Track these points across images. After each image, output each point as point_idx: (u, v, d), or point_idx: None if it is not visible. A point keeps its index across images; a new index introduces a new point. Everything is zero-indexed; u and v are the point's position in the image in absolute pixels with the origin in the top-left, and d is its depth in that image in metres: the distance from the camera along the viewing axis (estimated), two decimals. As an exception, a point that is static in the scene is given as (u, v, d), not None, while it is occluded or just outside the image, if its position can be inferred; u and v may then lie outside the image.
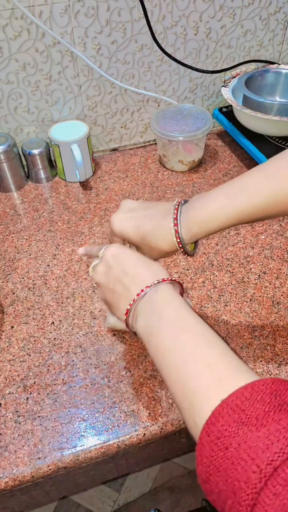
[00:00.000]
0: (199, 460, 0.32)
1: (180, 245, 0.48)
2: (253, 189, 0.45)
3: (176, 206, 0.48)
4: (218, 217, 0.46)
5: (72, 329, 0.71)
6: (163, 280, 0.43)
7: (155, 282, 0.42)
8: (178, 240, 0.47)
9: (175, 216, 0.47)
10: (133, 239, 0.51)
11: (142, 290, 0.42)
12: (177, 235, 0.47)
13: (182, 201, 0.50)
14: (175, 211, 0.47)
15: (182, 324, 0.39)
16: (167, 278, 0.43)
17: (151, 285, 0.42)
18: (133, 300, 0.42)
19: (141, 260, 0.46)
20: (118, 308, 0.46)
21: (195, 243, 0.52)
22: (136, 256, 0.47)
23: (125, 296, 0.44)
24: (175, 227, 0.47)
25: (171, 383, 0.37)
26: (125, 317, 0.44)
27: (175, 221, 0.47)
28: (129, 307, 0.43)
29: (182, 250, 0.49)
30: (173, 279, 0.44)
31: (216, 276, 0.77)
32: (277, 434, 0.27)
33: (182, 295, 0.46)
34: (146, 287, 0.42)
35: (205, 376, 0.34)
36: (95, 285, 0.56)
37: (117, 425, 0.59)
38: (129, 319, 0.44)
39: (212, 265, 0.79)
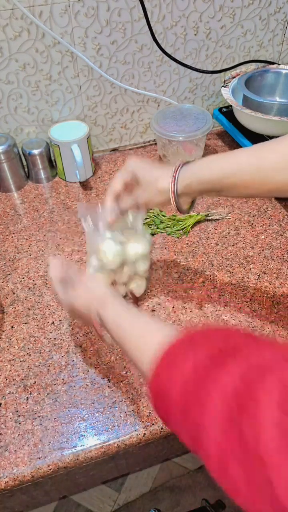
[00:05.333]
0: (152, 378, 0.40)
1: (174, 184, 0.58)
2: (243, 153, 0.55)
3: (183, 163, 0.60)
4: (210, 167, 0.56)
5: (72, 329, 0.71)
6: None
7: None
8: (175, 177, 0.58)
9: (179, 164, 0.59)
10: (141, 174, 0.61)
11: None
12: (174, 175, 0.58)
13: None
14: (181, 163, 0.59)
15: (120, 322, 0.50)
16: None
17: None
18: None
19: (88, 294, 0.55)
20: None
21: (192, 203, 0.62)
22: (85, 290, 0.56)
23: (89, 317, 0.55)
24: (175, 171, 0.58)
25: (127, 349, 0.47)
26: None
27: (178, 167, 0.58)
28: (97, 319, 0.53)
29: (173, 191, 0.58)
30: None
31: (216, 276, 0.78)
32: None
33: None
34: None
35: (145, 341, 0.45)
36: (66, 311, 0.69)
37: (117, 425, 0.59)
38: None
39: (212, 265, 0.79)
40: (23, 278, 0.79)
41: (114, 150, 1.09)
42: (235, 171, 0.54)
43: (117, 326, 0.50)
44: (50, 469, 0.56)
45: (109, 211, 0.63)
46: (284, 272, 0.77)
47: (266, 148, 0.53)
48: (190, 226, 0.86)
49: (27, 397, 0.62)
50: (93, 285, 0.56)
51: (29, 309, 0.74)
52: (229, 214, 0.89)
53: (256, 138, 0.95)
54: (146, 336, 0.45)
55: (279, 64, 1.05)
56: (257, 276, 0.77)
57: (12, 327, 0.71)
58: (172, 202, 0.59)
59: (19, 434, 0.59)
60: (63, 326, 0.71)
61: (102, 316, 0.52)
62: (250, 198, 0.92)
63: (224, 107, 1.07)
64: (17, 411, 0.61)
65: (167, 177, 0.58)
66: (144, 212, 0.65)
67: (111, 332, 0.51)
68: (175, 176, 0.57)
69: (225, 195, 0.59)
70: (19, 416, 0.60)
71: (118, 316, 0.51)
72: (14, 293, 0.76)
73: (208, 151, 1.05)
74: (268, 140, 1.00)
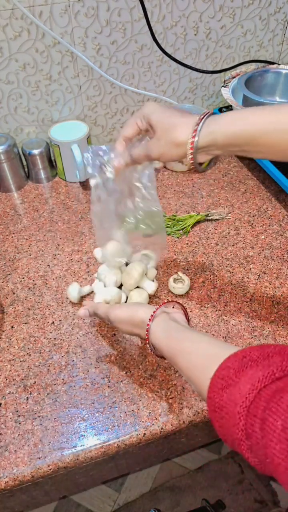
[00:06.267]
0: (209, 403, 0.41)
1: (196, 135, 0.49)
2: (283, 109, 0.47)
3: (209, 113, 0.52)
4: (249, 119, 0.48)
5: (72, 329, 0.71)
6: (155, 311, 0.55)
7: (150, 319, 0.54)
8: (197, 128, 0.49)
9: (204, 113, 0.51)
10: (156, 119, 0.53)
11: (147, 330, 0.55)
12: (196, 127, 0.50)
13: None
14: (207, 113, 0.51)
15: (180, 336, 0.52)
16: (156, 309, 0.55)
17: (150, 322, 0.55)
18: (146, 336, 0.55)
19: (132, 308, 0.59)
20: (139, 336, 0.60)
21: (209, 162, 0.56)
22: (126, 309, 0.60)
23: (141, 333, 0.57)
24: (199, 120, 0.50)
25: (186, 369, 0.47)
26: (147, 343, 0.56)
27: (202, 117, 0.50)
28: (146, 336, 0.55)
29: (193, 144, 0.50)
30: (159, 305, 0.57)
31: (216, 276, 0.78)
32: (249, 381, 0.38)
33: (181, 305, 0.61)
34: (147, 325, 0.55)
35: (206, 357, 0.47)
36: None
37: (117, 425, 0.59)
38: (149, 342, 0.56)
39: (212, 265, 0.79)
40: (23, 278, 0.79)
41: (114, 150, 1.09)
42: (284, 127, 0.46)
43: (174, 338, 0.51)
44: (50, 469, 0.56)
45: (117, 156, 0.56)
46: (284, 272, 0.77)
47: None
48: (190, 226, 0.86)
49: (27, 397, 0.62)
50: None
51: (29, 309, 0.74)
52: (229, 214, 0.89)
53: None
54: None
55: (279, 64, 1.05)
56: (257, 276, 0.77)
57: (12, 327, 0.71)
58: (188, 157, 0.51)
59: (19, 434, 0.59)
60: (63, 326, 0.71)
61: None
62: (250, 196, 0.92)
63: (224, 107, 1.07)
64: (17, 411, 0.61)
65: (188, 126, 0.50)
66: (158, 166, 0.58)
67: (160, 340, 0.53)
68: (198, 126, 0.49)
69: (252, 155, 0.52)
70: (19, 416, 0.60)
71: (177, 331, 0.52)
72: (14, 293, 0.76)
73: (208, 151, 1.05)
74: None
